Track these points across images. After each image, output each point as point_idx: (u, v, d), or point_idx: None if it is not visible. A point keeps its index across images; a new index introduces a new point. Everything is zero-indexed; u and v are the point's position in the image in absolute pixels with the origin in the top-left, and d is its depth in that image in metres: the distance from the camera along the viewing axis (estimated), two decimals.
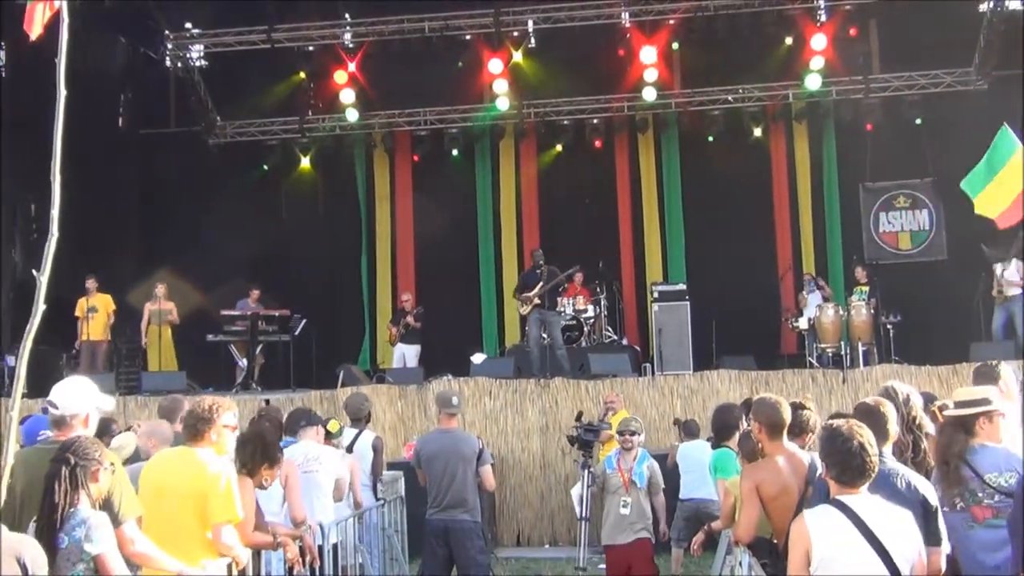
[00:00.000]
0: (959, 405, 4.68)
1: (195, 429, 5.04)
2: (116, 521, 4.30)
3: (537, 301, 13.45)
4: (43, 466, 4.25)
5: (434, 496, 7.43)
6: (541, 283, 13.51)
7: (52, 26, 4.30)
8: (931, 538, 4.16)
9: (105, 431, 6.69)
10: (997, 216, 10.13)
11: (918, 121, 16.65)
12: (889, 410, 4.62)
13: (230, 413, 5.17)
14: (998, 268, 13.68)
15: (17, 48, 14.62)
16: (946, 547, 4.22)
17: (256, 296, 15.10)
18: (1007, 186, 9.94)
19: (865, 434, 3.99)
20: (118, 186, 16.80)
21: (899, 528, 3.87)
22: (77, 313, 13.99)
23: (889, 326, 13.75)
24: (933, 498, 4.30)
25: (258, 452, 5.70)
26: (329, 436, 7.53)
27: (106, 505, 4.31)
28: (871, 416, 4.51)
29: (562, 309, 14.58)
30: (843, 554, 3.80)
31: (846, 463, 3.94)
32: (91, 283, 14.05)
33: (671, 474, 9.27)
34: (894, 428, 4.56)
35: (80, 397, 4.69)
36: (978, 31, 16.21)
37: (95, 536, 4.11)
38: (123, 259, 16.36)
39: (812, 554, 3.84)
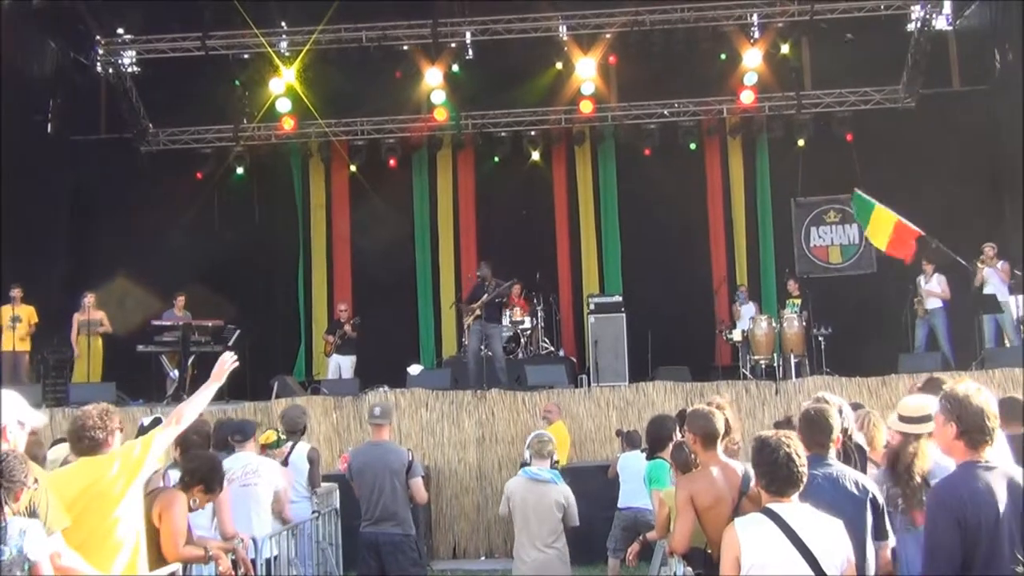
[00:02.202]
0: (905, 420, 4.77)
1: (94, 441, 4.79)
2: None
3: (478, 313, 13.44)
4: None
5: (365, 509, 7.36)
6: (485, 295, 13.53)
7: None
8: (880, 533, 4.38)
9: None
10: (885, 247, 11.47)
11: (848, 137, 16.97)
12: (833, 417, 4.71)
13: (116, 416, 4.98)
14: (920, 281, 14.01)
15: None
16: (892, 541, 4.41)
17: (181, 303, 14.83)
18: (881, 228, 11.24)
19: (793, 444, 4.05)
20: (46, 192, 16.41)
21: (828, 536, 3.94)
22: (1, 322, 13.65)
23: (820, 338, 13.96)
24: (880, 496, 4.47)
25: (199, 473, 5.65)
26: (265, 447, 7.44)
27: (31, 517, 4.20)
28: (816, 423, 4.61)
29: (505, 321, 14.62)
30: (772, 561, 3.86)
31: (775, 473, 4.01)
32: (16, 292, 13.70)
33: (612, 484, 9.30)
34: (836, 435, 4.66)
35: None
36: (906, 50, 16.64)
37: (34, 543, 4.02)
38: (51, 267, 15.97)
39: (742, 561, 3.89)
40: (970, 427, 3.73)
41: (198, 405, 5.13)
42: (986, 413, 3.73)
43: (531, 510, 6.90)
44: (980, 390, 3.80)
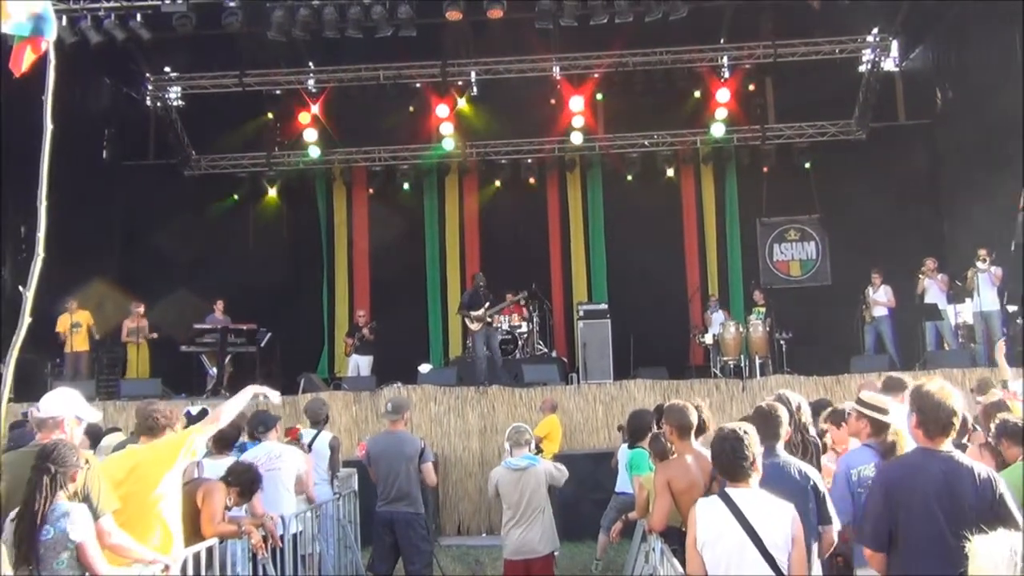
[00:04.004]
0: (861, 404, 4.80)
1: (156, 423, 4.94)
2: (94, 515, 4.17)
3: (488, 319, 13.50)
4: (26, 467, 4.11)
5: (381, 490, 7.35)
6: (488, 304, 13.54)
7: (41, 65, 4.17)
8: (823, 517, 4.31)
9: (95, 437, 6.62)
10: None
11: (807, 165, 17.02)
12: (783, 413, 4.69)
13: (180, 425, 5.14)
14: (869, 291, 14.01)
15: (9, 84, 14.25)
16: (836, 524, 4.35)
17: (221, 307, 14.87)
18: None
19: (747, 438, 4.01)
20: (102, 210, 16.44)
21: (774, 518, 3.90)
22: (59, 328, 13.64)
23: (782, 342, 13.95)
24: (822, 485, 4.42)
25: (240, 480, 5.75)
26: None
27: (84, 501, 4.18)
28: (767, 418, 4.58)
29: (499, 325, 14.63)
30: (720, 538, 3.86)
31: (719, 460, 4.05)
32: (72, 304, 13.76)
33: (599, 471, 9.25)
34: (785, 429, 4.63)
35: (59, 404, 4.54)
36: (857, 89, 16.69)
37: (78, 525, 3.99)
38: (105, 278, 15.92)
39: (696, 538, 3.90)
40: (927, 418, 3.72)
41: (236, 406, 5.18)
42: (944, 408, 3.70)
43: (515, 497, 6.81)
44: (943, 388, 3.78)
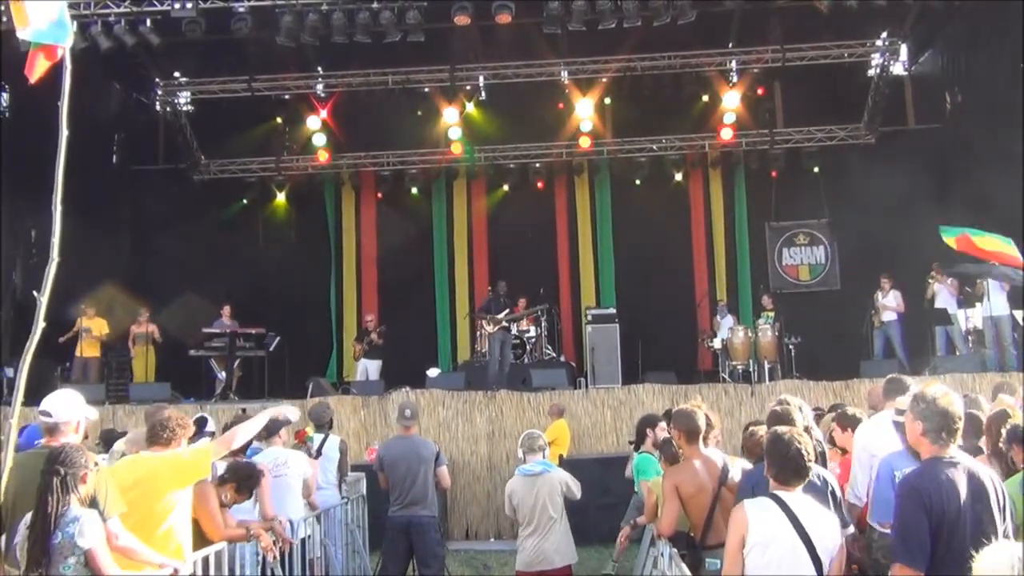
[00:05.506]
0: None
1: (168, 438, 4.92)
2: (101, 518, 4.19)
3: (505, 324, 13.59)
4: (35, 469, 4.12)
5: (397, 495, 7.31)
6: (507, 310, 13.72)
7: (51, 71, 4.21)
8: (843, 522, 4.34)
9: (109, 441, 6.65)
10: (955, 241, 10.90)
11: (815, 169, 17.01)
12: (797, 416, 4.69)
13: (188, 424, 5.13)
14: (878, 296, 13.99)
15: (20, 89, 14.34)
16: (850, 529, 4.42)
17: (228, 312, 14.93)
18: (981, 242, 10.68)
19: (804, 442, 4.00)
20: (111, 215, 16.50)
21: (825, 525, 3.92)
22: (71, 332, 13.73)
23: (791, 346, 13.92)
24: (839, 489, 4.50)
25: (237, 475, 5.70)
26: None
27: (91, 504, 4.20)
28: (783, 422, 4.59)
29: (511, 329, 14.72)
30: (774, 541, 3.83)
31: (785, 465, 3.97)
32: (88, 308, 13.84)
33: (606, 476, 9.25)
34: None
35: (71, 407, 4.58)
36: (867, 93, 16.66)
37: (86, 531, 4.01)
38: (114, 282, 15.99)
39: (747, 538, 3.84)
40: (933, 426, 3.68)
41: (251, 430, 5.27)
42: (949, 415, 3.67)
43: (529, 503, 6.63)
44: (947, 394, 3.73)
